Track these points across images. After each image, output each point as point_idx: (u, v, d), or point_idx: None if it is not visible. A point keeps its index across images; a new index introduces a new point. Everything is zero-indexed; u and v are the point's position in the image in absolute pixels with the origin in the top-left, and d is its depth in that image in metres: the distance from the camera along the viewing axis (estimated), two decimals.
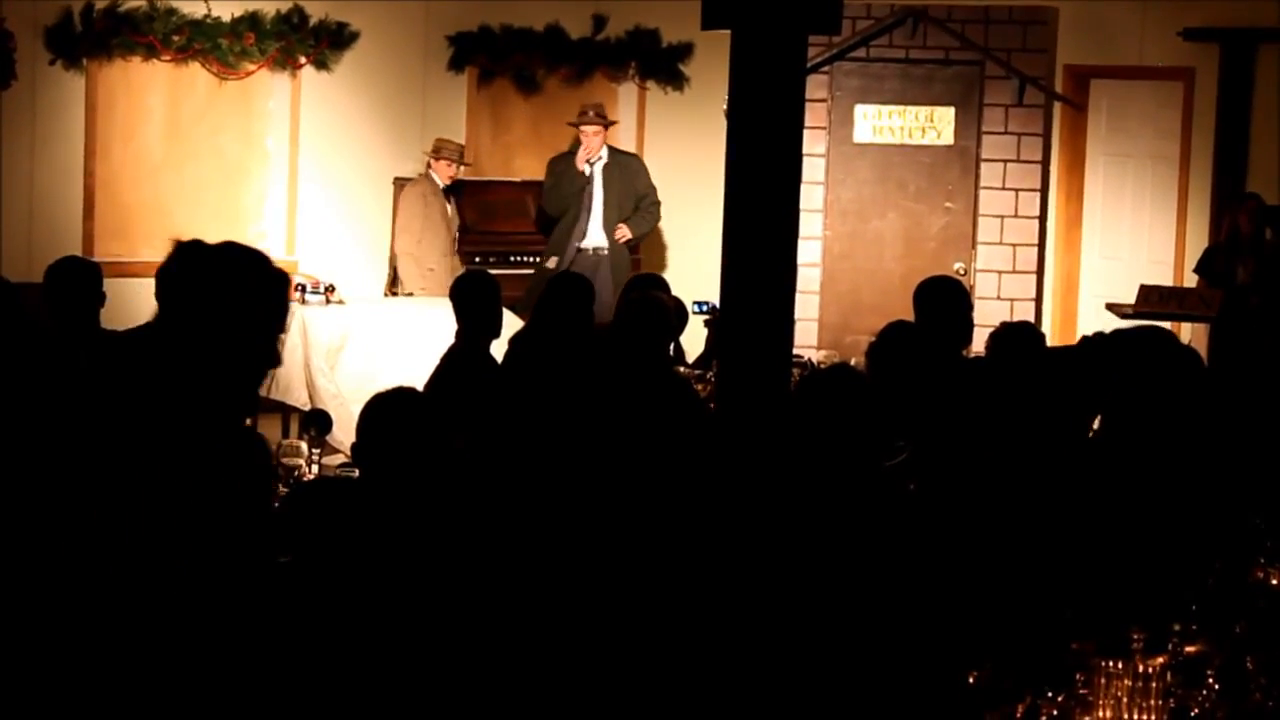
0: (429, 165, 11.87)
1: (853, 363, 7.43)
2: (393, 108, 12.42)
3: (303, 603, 4.00)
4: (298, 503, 4.85)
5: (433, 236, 11.72)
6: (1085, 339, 7.84)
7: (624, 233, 11.78)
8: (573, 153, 11.88)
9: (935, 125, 12.55)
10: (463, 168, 12.01)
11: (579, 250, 11.76)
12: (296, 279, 11.30)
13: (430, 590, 4.12)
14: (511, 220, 12.39)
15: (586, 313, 7.89)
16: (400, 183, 12.28)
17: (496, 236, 12.23)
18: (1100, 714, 3.96)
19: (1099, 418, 5.66)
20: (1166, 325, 7.95)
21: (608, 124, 11.97)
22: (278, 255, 12.00)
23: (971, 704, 3.89)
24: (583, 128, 11.81)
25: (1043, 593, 4.68)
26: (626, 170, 11.95)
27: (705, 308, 9.53)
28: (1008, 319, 9.97)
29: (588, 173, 11.80)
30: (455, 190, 12.22)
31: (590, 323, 7.93)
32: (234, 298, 3.48)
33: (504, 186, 12.60)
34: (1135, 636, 4.01)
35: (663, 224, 13.33)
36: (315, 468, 6.58)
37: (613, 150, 12.00)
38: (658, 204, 12.06)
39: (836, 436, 4.59)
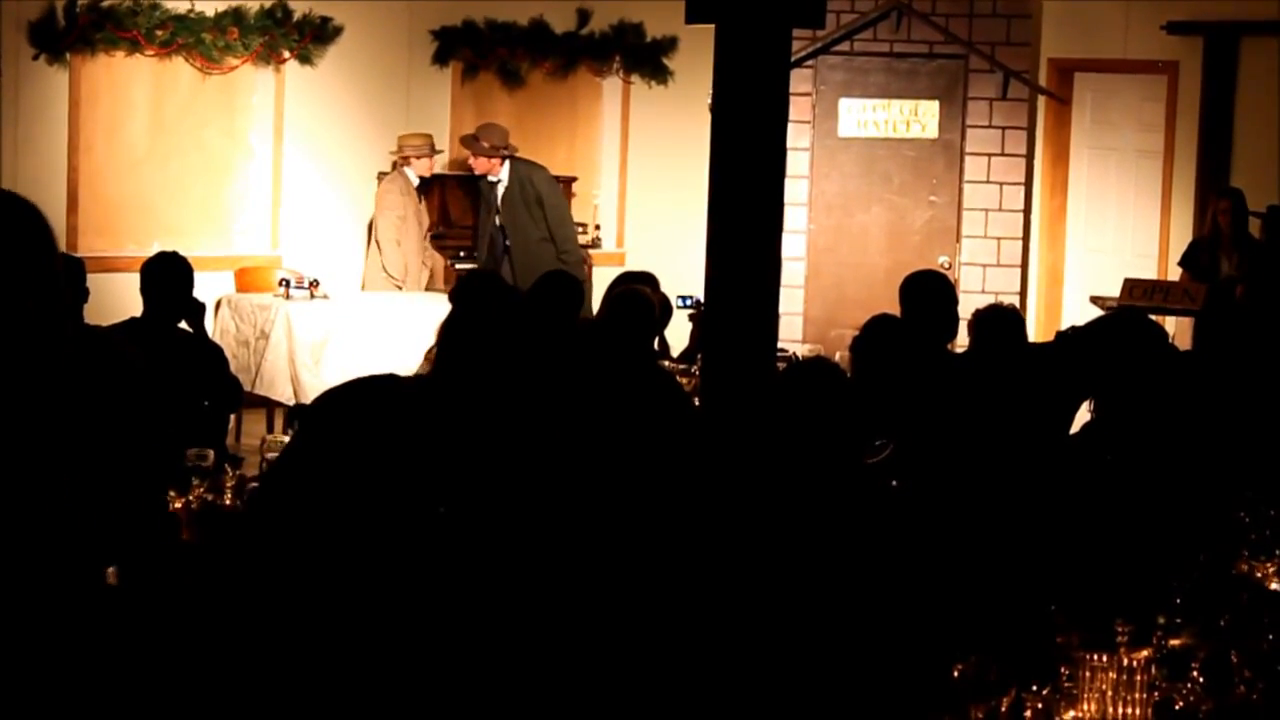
0: (404, 163, 11.81)
1: (837, 357, 7.43)
2: (377, 102, 12.41)
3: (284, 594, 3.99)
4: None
5: (408, 236, 11.71)
6: (1060, 334, 7.88)
7: None
8: None
9: (919, 119, 12.56)
10: (436, 156, 11.99)
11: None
12: (281, 274, 11.30)
13: (410, 585, 4.11)
14: None
15: (574, 311, 7.91)
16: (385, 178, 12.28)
17: (474, 234, 12.22)
18: (1085, 707, 3.96)
19: (1086, 410, 5.66)
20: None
21: (485, 153, 11.63)
22: (262, 250, 12.00)
23: (956, 697, 3.90)
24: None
25: (1027, 586, 4.69)
26: (525, 193, 11.74)
27: (689, 302, 9.53)
28: None
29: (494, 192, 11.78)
30: (439, 184, 12.23)
31: (575, 321, 7.94)
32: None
33: None
34: (1120, 630, 4.02)
35: (647, 219, 13.34)
36: None
37: (513, 167, 11.71)
38: (570, 248, 11.69)
39: (812, 427, 4.58)
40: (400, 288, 11.52)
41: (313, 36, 11.99)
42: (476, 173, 11.79)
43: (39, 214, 3.41)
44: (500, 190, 11.70)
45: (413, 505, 3.96)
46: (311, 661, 3.83)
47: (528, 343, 4.07)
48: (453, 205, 12.36)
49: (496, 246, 11.77)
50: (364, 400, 3.98)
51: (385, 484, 3.95)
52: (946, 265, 12.24)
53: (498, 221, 11.73)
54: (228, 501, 6.00)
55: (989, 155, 12.52)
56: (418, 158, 11.79)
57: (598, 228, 13.28)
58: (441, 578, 3.99)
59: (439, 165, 12.19)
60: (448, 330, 4.08)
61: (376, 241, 11.68)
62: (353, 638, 3.86)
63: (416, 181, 11.83)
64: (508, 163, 11.69)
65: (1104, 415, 5.34)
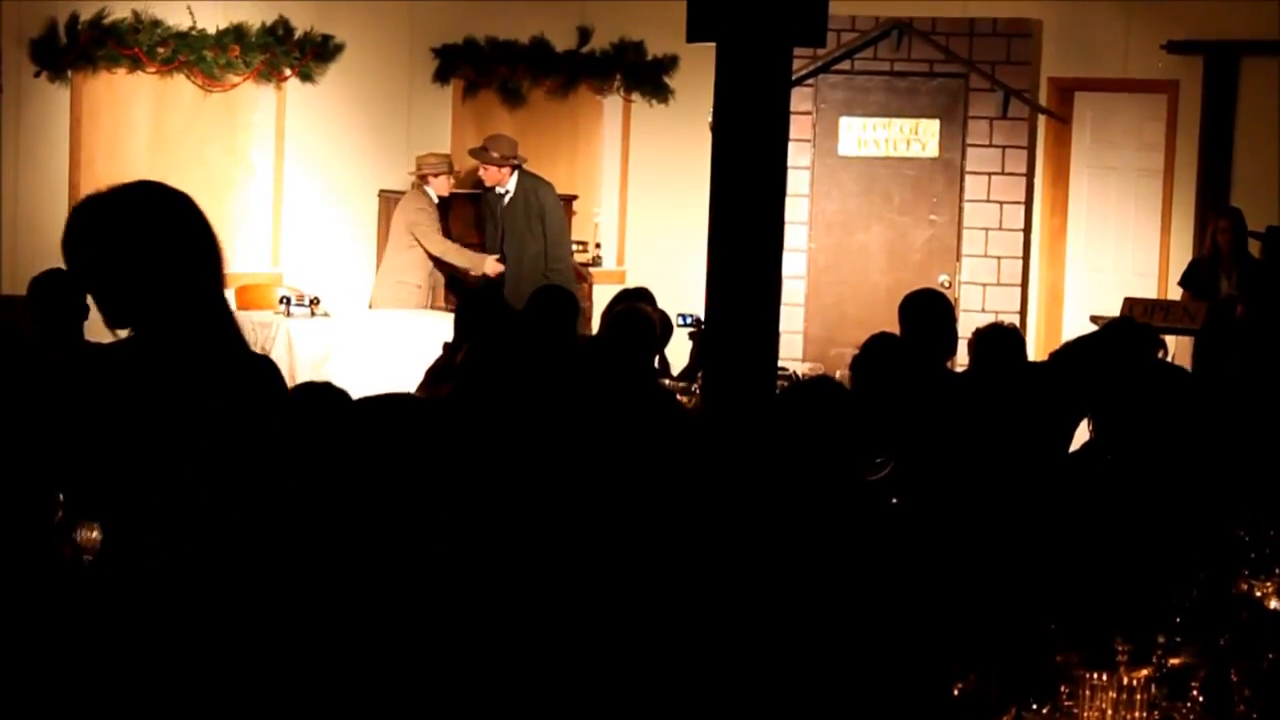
0: (424, 181, 11.90)
1: (837, 375, 7.43)
2: (378, 120, 12.42)
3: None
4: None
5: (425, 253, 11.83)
6: (1055, 352, 7.89)
7: None
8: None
9: (920, 138, 12.57)
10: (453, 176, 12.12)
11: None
12: (281, 291, 11.30)
13: (404, 602, 4.11)
14: None
15: (570, 325, 7.92)
16: (387, 195, 12.28)
17: (480, 249, 12.23)
18: None
19: (1085, 430, 5.65)
20: None
21: (495, 163, 11.85)
22: (262, 267, 12.00)
23: (956, 716, 3.89)
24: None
25: (1027, 604, 4.69)
26: (529, 206, 11.88)
27: (690, 320, 9.53)
28: None
29: (500, 203, 11.89)
30: (441, 202, 12.26)
31: (573, 336, 7.95)
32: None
33: None
34: (1120, 648, 4.02)
35: (648, 237, 13.34)
36: None
37: (521, 179, 11.92)
38: (560, 267, 11.86)
39: (816, 447, 4.59)
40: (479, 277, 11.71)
41: (314, 54, 12.00)
42: (486, 184, 11.87)
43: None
44: (506, 201, 11.78)
45: (424, 519, 3.96)
46: (319, 662, 3.83)
47: (532, 361, 4.09)
48: (455, 223, 12.37)
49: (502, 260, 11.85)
50: (381, 420, 3.99)
51: (402, 501, 3.95)
52: (946, 284, 12.25)
53: (502, 235, 11.83)
54: None
55: (989, 174, 12.53)
56: (435, 175, 11.91)
57: (598, 246, 13.29)
58: (448, 589, 4.00)
59: None
60: (456, 353, 4.12)
61: (435, 256, 11.73)
62: (361, 642, 3.87)
63: (436, 200, 11.92)
64: (516, 173, 11.78)
65: (1103, 431, 5.34)
